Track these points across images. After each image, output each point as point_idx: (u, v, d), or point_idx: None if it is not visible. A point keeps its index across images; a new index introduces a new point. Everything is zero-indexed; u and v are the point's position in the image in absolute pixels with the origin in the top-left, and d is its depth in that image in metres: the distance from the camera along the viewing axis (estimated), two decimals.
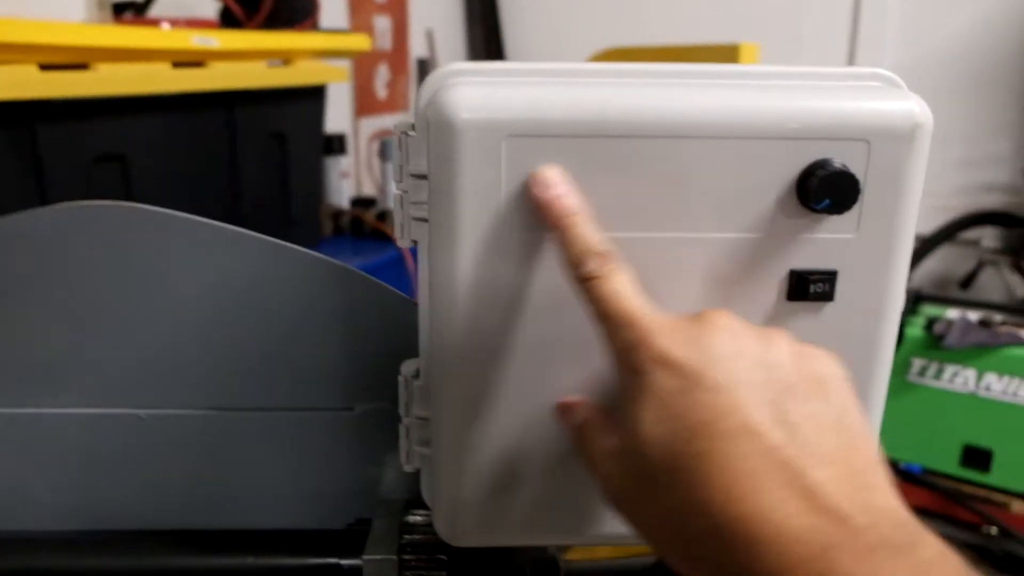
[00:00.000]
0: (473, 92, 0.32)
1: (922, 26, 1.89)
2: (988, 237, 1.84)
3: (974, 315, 1.44)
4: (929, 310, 1.50)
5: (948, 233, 1.72)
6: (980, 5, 1.84)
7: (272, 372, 0.43)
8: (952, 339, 1.37)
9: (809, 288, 0.34)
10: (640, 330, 0.29)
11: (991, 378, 1.36)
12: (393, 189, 0.36)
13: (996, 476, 1.39)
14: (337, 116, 1.64)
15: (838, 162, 0.32)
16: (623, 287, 0.30)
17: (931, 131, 0.32)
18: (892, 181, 0.33)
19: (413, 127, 0.34)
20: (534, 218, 0.33)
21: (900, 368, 1.44)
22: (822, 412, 0.28)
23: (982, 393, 1.38)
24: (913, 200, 0.33)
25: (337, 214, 1.45)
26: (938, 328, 1.40)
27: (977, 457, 1.41)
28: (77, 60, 0.89)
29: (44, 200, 0.87)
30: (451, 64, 0.34)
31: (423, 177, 0.33)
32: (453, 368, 0.35)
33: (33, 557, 0.42)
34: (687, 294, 0.34)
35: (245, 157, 1.12)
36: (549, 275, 0.33)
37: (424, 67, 2.06)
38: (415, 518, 0.43)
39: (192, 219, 0.41)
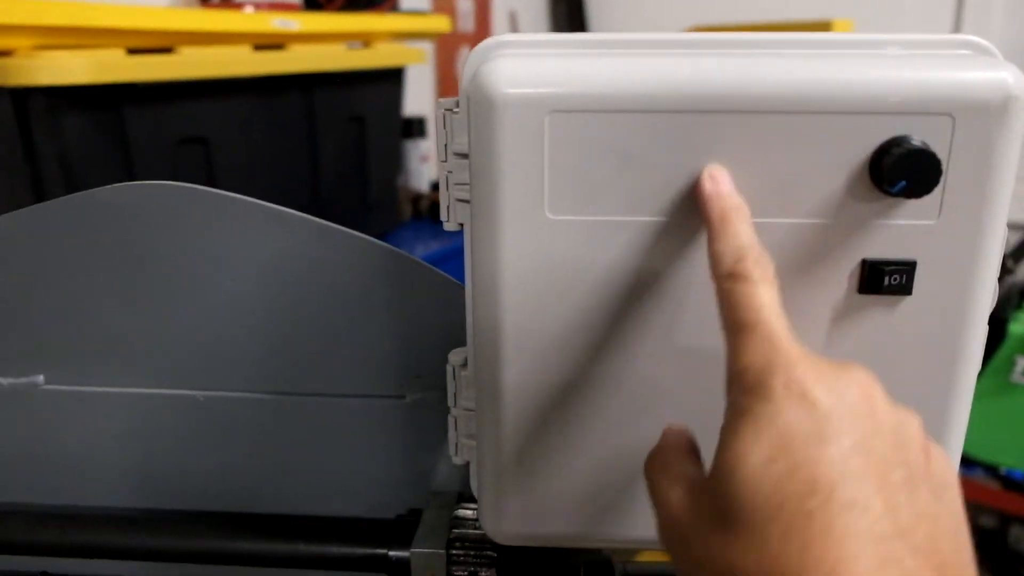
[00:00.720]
0: (514, 65, 0.30)
1: None
2: None
3: None
4: None
5: None
6: None
7: (324, 357, 0.43)
8: None
9: (884, 280, 0.31)
10: (781, 353, 0.26)
11: None
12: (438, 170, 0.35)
13: None
14: (418, 99, 1.64)
15: (917, 139, 0.29)
16: (771, 300, 0.27)
17: None
18: (980, 161, 0.29)
19: (457, 104, 0.33)
20: (579, 199, 0.31)
21: (1003, 367, 1.35)
22: (937, 514, 0.25)
23: None
24: (1005, 183, 0.30)
25: (417, 198, 1.45)
26: None
27: None
28: (162, 44, 0.91)
29: (131, 179, 0.90)
30: (497, 37, 0.33)
31: (465, 156, 0.32)
32: (496, 357, 0.33)
33: (92, 533, 0.42)
34: None
35: (324, 140, 1.13)
36: (596, 258, 0.32)
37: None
38: (466, 512, 0.42)
39: (247, 200, 0.40)
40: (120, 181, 0.88)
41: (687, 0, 2.13)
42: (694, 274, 0.31)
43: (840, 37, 0.32)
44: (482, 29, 1.96)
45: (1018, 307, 1.40)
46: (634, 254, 0.31)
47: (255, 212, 0.40)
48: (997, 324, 1.34)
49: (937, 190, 0.29)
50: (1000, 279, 1.23)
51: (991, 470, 1.38)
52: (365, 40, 1.19)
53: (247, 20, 1.01)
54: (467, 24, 1.92)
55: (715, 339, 0.32)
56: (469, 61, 0.32)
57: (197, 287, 0.42)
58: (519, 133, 0.30)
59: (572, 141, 0.30)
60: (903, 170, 0.29)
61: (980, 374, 0.33)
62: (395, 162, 1.35)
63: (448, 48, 1.84)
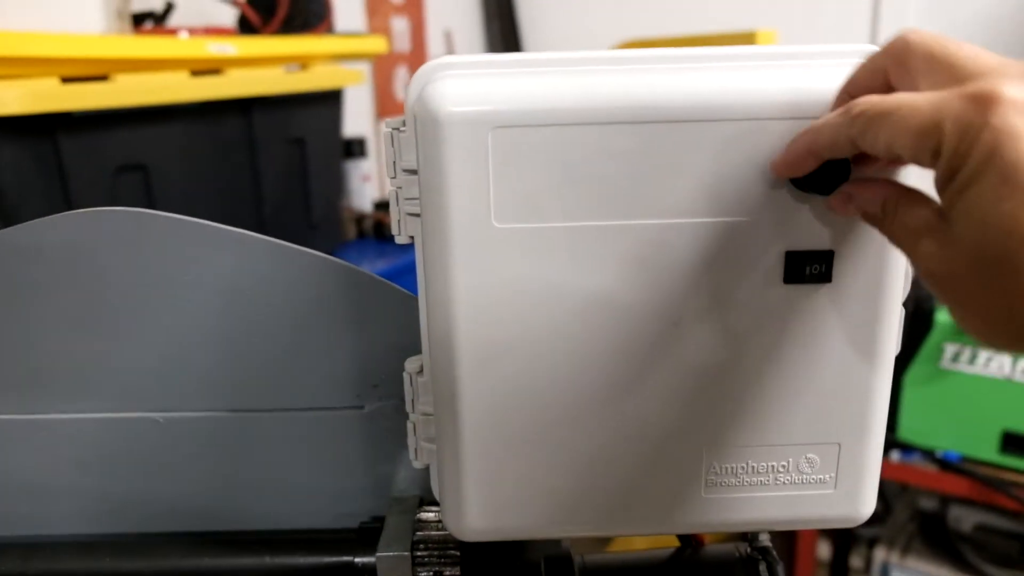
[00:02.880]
0: (458, 85, 0.32)
1: (946, 6, 1.85)
2: None
3: None
4: None
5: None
6: None
7: (283, 373, 0.44)
8: None
9: (805, 270, 0.33)
10: (979, 89, 0.25)
11: None
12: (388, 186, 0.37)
13: None
14: (358, 119, 1.65)
15: None
16: (903, 99, 0.27)
17: None
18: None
19: (404, 123, 0.34)
20: (525, 208, 0.33)
21: (933, 355, 1.41)
22: None
23: (1019, 377, 1.35)
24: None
25: (360, 218, 1.46)
26: None
27: (1017, 443, 1.38)
28: (97, 72, 0.91)
29: (69, 209, 0.89)
30: (440, 58, 0.34)
31: (414, 172, 0.34)
32: (452, 362, 0.35)
33: (54, 560, 0.43)
34: (679, 281, 0.34)
35: (264, 163, 1.13)
36: (543, 264, 0.34)
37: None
38: (427, 514, 0.44)
39: (200, 223, 0.41)
40: (57, 211, 0.87)
41: (616, 17, 2.19)
42: (635, 271, 0.34)
43: (756, 50, 0.34)
44: (418, 48, 1.98)
45: None
46: (579, 259, 0.33)
47: (206, 233, 0.41)
48: (924, 314, 1.41)
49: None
50: None
51: (928, 454, 1.44)
52: (302, 63, 1.20)
53: (182, 46, 1.01)
54: (403, 44, 1.93)
55: (662, 337, 0.35)
56: (413, 82, 0.34)
57: (150, 310, 0.42)
58: (465, 149, 0.32)
59: (515, 154, 0.32)
60: (817, 169, 0.31)
61: (912, 363, 0.36)
62: (337, 183, 1.36)
63: (385, 68, 1.86)
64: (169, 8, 1.18)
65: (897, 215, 0.29)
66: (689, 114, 0.32)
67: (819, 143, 0.30)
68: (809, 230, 0.33)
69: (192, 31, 1.12)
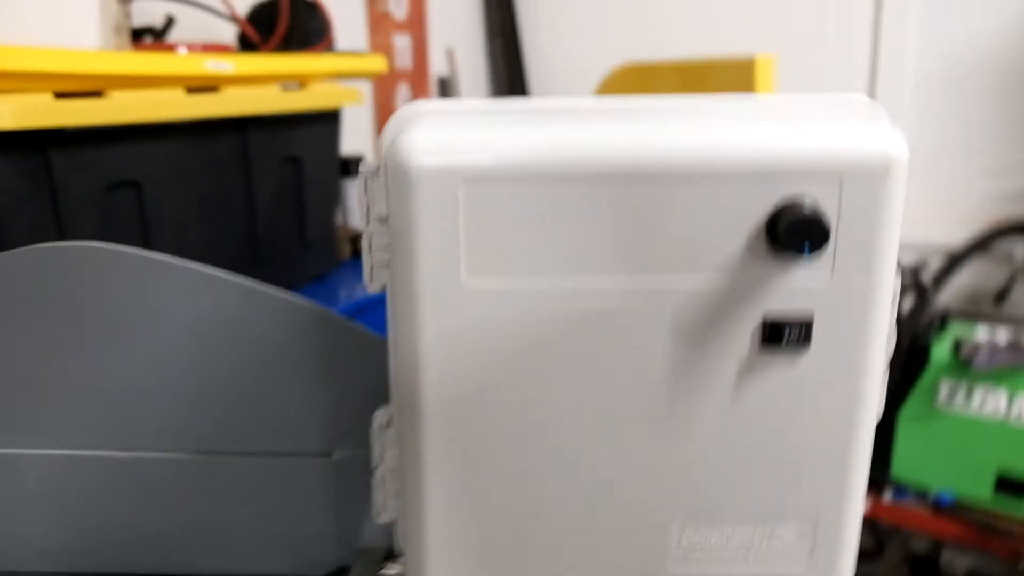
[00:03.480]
0: (429, 135, 0.31)
1: (946, 30, 1.84)
2: (1022, 248, 1.78)
3: (1004, 334, 1.40)
4: (957, 328, 1.45)
5: (979, 245, 1.67)
6: (1004, 7, 1.79)
7: (249, 416, 0.43)
8: (980, 361, 1.33)
9: (783, 335, 0.32)
10: None
11: None
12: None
13: None
14: (357, 137, 1.64)
15: (809, 202, 0.31)
16: None
17: (906, 167, 0.31)
18: (867, 220, 0.31)
19: (379, 169, 0.34)
20: (495, 264, 0.32)
21: (928, 393, 1.40)
22: None
23: (1014, 419, 1.34)
24: (890, 240, 0.32)
25: (356, 237, 1.45)
26: (965, 352, 1.36)
27: (1011, 486, 1.36)
28: (91, 87, 0.90)
29: (60, 227, 0.88)
30: (415, 103, 0.34)
31: (386, 220, 0.33)
32: (418, 417, 0.34)
33: None
34: (652, 342, 0.33)
35: (259, 181, 1.12)
36: (513, 321, 0.33)
37: (445, 86, 2.06)
38: (392, 569, 0.43)
39: (167, 260, 0.40)
40: (48, 226, 0.86)
41: (618, 38, 2.19)
42: (607, 330, 0.33)
43: (739, 102, 0.34)
44: (420, 66, 1.98)
45: (940, 333, 1.46)
46: (549, 314, 0.32)
47: (178, 272, 0.40)
48: (920, 350, 1.39)
49: (829, 249, 0.31)
50: (921, 305, 1.27)
51: (921, 495, 1.42)
52: (301, 81, 1.20)
53: (179, 63, 1.00)
54: (405, 61, 1.93)
55: (632, 395, 0.34)
56: (388, 128, 0.33)
57: (115, 347, 0.41)
58: (435, 201, 0.31)
59: (486, 207, 0.31)
60: (796, 232, 0.30)
61: (906, 400, 0.35)
62: (333, 202, 1.35)
63: (386, 86, 1.86)
64: (169, 23, 1.18)
65: None
66: (666, 172, 0.31)
67: None
68: (788, 294, 0.32)
69: (191, 47, 1.12)
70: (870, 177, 0.31)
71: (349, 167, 1.48)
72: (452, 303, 0.32)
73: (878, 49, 1.91)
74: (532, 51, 2.29)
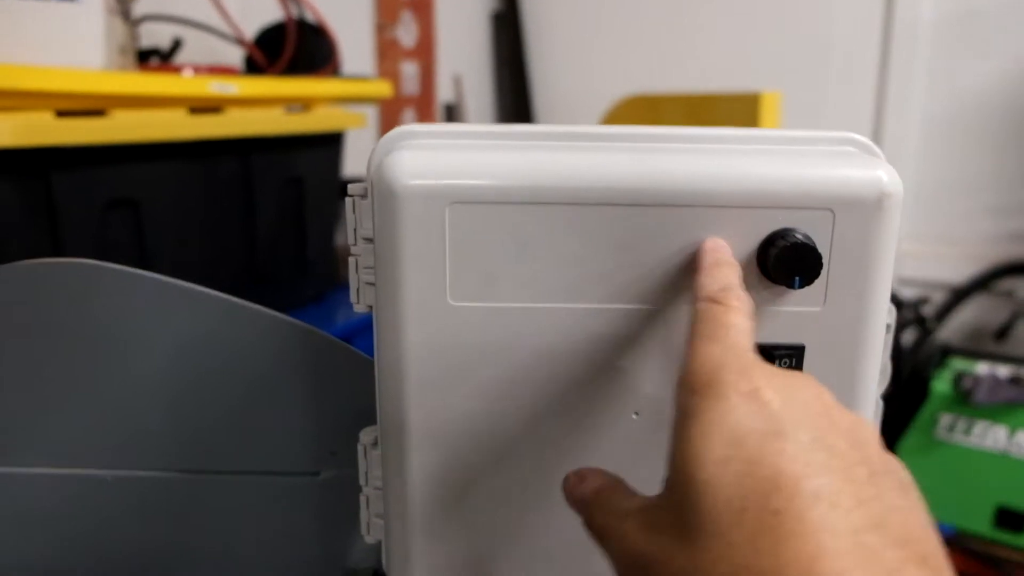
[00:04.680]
0: (416, 157, 0.31)
1: (952, 72, 1.86)
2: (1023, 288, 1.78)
3: (1005, 370, 1.39)
4: (958, 364, 1.45)
5: (981, 283, 1.67)
6: (1012, 49, 1.80)
7: (236, 435, 0.42)
8: (981, 395, 1.32)
9: (774, 363, 0.32)
10: (739, 358, 0.25)
11: None
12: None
13: None
14: (361, 160, 1.65)
15: (800, 233, 0.30)
16: (745, 326, 0.27)
17: (900, 200, 0.31)
18: (859, 252, 0.31)
19: (366, 191, 0.33)
20: (480, 286, 0.31)
21: (927, 425, 1.38)
22: (908, 507, 0.24)
23: (1015, 452, 1.33)
24: (883, 271, 0.31)
25: None
26: (966, 383, 1.35)
27: (1011, 519, 1.34)
28: (94, 107, 0.91)
29: (57, 245, 0.88)
30: (405, 126, 0.34)
31: (372, 241, 0.33)
32: (402, 438, 0.34)
33: None
34: (641, 370, 0.32)
35: (260, 203, 1.13)
36: (498, 343, 0.32)
37: (451, 112, 2.07)
38: None
39: (155, 278, 0.40)
40: (45, 245, 0.86)
41: (624, 69, 2.21)
42: (593, 356, 0.32)
43: (734, 133, 0.33)
44: (427, 92, 2.00)
45: (940, 366, 1.45)
46: (534, 339, 0.32)
47: (164, 290, 0.40)
48: (919, 383, 1.38)
49: (821, 280, 0.31)
50: (922, 339, 1.26)
51: None
52: (305, 104, 1.20)
53: (183, 84, 1.01)
54: (412, 87, 1.95)
55: (616, 417, 0.33)
56: (376, 151, 0.33)
57: (105, 364, 0.41)
58: (420, 223, 0.31)
59: (472, 230, 0.31)
60: (787, 262, 0.30)
61: (906, 432, 0.34)
62: (333, 224, 1.35)
63: (392, 110, 1.87)
64: (176, 46, 1.19)
65: (609, 502, 0.28)
66: (655, 199, 0.31)
67: None
68: (780, 323, 0.32)
69: (197, 69, 1.12)
70: (863, 209, 0.30)
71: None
72: (437, 323, 0.32)
73: (885, 89, 1.92)
74: (539, 80, 2.30)
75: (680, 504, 0.24)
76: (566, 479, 0.31)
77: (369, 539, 0.39)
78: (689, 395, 0.25)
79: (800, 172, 0.31)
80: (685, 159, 0.31)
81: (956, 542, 1.38)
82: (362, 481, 0.38)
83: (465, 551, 0.35)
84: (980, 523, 1.37)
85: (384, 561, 0.38)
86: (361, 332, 1.17)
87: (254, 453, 0.42)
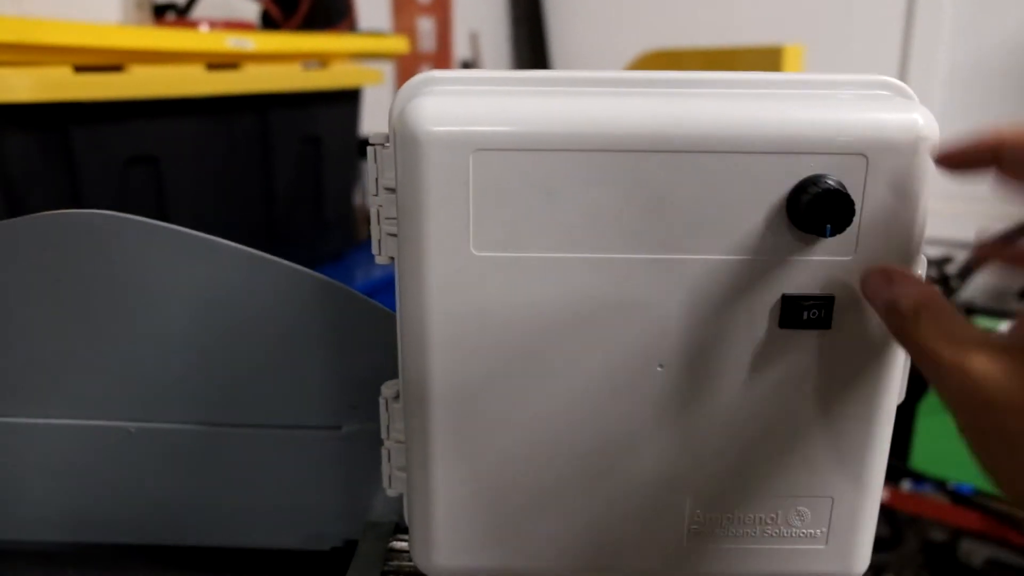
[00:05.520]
0: (440, 103, 0.30)
1: (979, 24, 1.81)
2: None
3: None
4: (982, 323, 1.43)
5: (1005, 241, 1.64)
6: None
7: (258, 387, 0.42)
8: None
9: (802, 314, 0.31)
10: None
11: None
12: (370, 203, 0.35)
13: None
14: (378, 118, 1.64)
15: (832, 179, 0.29)
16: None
17: (937, 145, 0.30)
18: (893, 199, 0.30)
19: (387, 139, 0.33)
20: (505, 236, 0.31)
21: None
22: None
23: None
24: (917, 220, 0.31)
25: None
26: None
27: None
28: (111, 62, 0.90)
29: (78, 201, 0.88)
30: (426, 72, 0.33)
31: (394, 191, 0.32)
32: (424, 391, 0.33)
33: (14, 568, 0.41)
34: (667, 320, 0.32)
35: (278, 160, 1.12)
36: (523, 295, 0.32)
37: (468, 69, 2.05)
38: (401, 543, 0.42)
39: (175, 229, 0.40)
40: (65, 201, 0.87)
41: (643, 25, 2.16)
42: (618, 307, 0.32)
43: (764, 77, 0.32)
44: (443, 49, 1.97)
45: None
46: (559, 290, 0.32)
47: (186, 241, 0.40)
48: None
49: (852, 227, 0.30)
50: (947, 297, 1.25)
51: (940, 485, 1.40)
52: (322, 60, 1.19)
53: (201, 39, 1.00)
54: (428, 44, 1.92)
55: (647, 377, 0.33)
56: (398, 97, 0.32)
57: (123, 316, 0.41)
58: (444, 171, 0.30)
59: (497, 178, 0.30)
60: (818, 209, 0.29)
61: (926, 392, 0.34)
62: (351, 182, 1.35)
63: (409, 67, 1.85)
64: (192, 1, 1.18)
65: (940, 322, 0.26)
66: (683, 144, 0.30)
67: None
68: (808, 273, 0.31)
69: (213, 24, 1.11)
70: (899, 153, 0.30)
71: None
72: (461, 275, 0.31)
73: (910, 41, 1.88)
74: (556, 37, 2.27)
75: None
76: (867, 277, 0.29)
77: (391, 492, 0.39)
78: None
79: (832, 116, 0.30)
80: (714, 104, 0.30)
81: (976, 502, 1.38)
82: (384, 435, 0.38)
83: (487, 505, 0.35)
84: None
85: (406, 514, 0.38)
86: (380, 291, 1.17)
87: (276, 407, 0.43)
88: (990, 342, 0.24)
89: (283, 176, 1.14)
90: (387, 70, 1.67)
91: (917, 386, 1.42)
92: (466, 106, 0.30)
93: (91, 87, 0.86)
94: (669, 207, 0.30)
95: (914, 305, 0.27)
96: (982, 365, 0.24)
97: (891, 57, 1.88)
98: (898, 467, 1.44)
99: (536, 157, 0.30)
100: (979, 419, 0.24)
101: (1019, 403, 0.23)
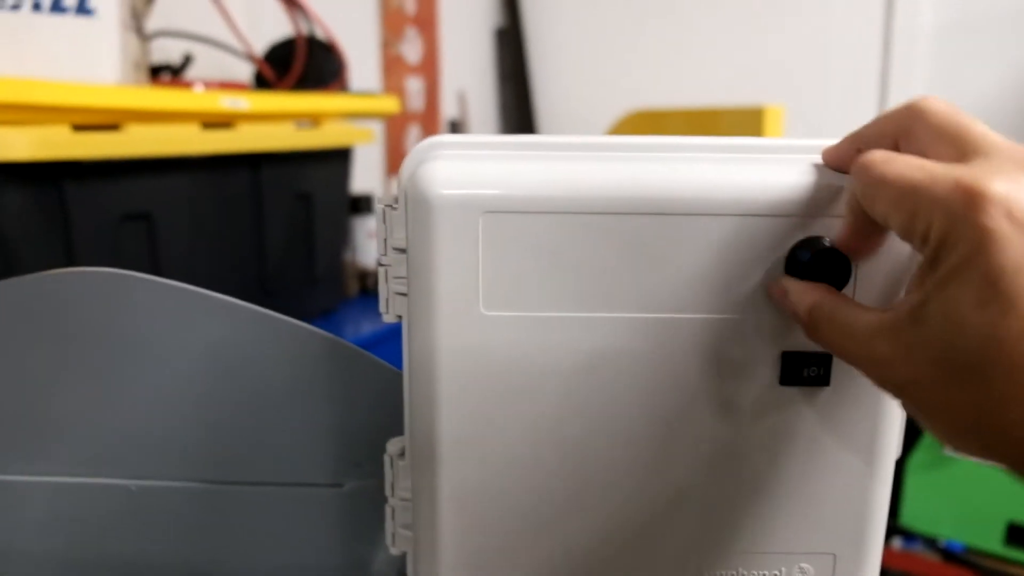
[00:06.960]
0: (450, 167, 0.31)
1: (953, 81, 1.86)
2: None
3: None
4: None
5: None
6: (1012, 58, 1.81)
7: (260, 445, 0.42)
8: None
9: (803, 371, 0.32)
10: (971, 181, 0.23)
11: None
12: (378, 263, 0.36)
13: None
14: (367, 175, 1.66)
15: (828, 240, 0.31)
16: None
17: None
18: (887, 258, 0.31)
19: (396, 201, 0.34)
20: (513, 296, 0.32)
21: (937, 441, 1.38)
22: None
23: None
24: (910, 272, 0.32)
25: (364, 274, 1.46)
26: None
27: (1022, 536, 1.34)
28: (108, 121, 0.91)
29: (71, 257, 0.89)
30: (435, 138, 0.34)
31: (403, 251, 0.33)
32: (432, 449, 0.34)
33: None
34: (670, 379, 0.32)
35: (270, 216, 1.13)
36: (532, 353, 0.32)
37: (455, 128, 2.08)
38: None
39: (183, 287, 0.40)
40: (59, 256, 0.87)
41: (627, 85, 2.22)
42: (624, 365, 0.32)
43: (761, 142, 0.34)
44: (431, 108, 2.01)
45: None
46: (566, 348, 0.32)
47: (191, 299, 0.40)
48: None
49: (849, 286, 0.31)
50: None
51: (931, 542, 1.40)
52: (314, 119, 1.21)
53: (196, 99, 1.02)
54: (417, 103, 1.96)
55: (651, 435, 0.33)
56: (408, 161, 0.33)
57: (130, 374, 0.41)
58: (454, 232, 0.31)
59: (505, 240, 0.31)
60: (816, 268, 0.30)
61: (915, 448, 0.35)
62: (342, 239, 1.36)
63: (398, 126, 1.88)
64: (187, 61, 1.20)
65: (835, 320, 0.28)
66: (682, 207, 0.31)
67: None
68: None
69: (208, 84, 1.13)
70: None
71: (359, 205, 1.49)
72: (470, 332, 0.32)
73: (886, 100, 1.93)
74: (542, 96, 2.32)
75: (938, 339, 0.24)
76: (769, 294, 0.31)
77: (394, 550, 0.39)
78: (939, 249, 0.25)
79: (826, 181, 0.31)
80: (715, 168, 0.31)
81: (966, 559, 1.38)
82: (388, 492, 0.38)
83: (494, 563, 0.35)
84: (991, 540, 1.37)
85: (410, 572, 0.38)
86: (370, 347, 1.17)
87: (278, 463, 0.43)
88: (884, 325, 0.26)
89: (275, 232, 1.15)
90: (377, 129, 1.70)
91: (906, 441, 1.42)
92: (475, 170, 0.31)
93: (88, 146, 0.87)
94: (672, 268, 0.31)
95: (808, 311, 0.29)
96: (883, 350, 0.26)
97: (869, 115, 1.92)
98: (888, 524, 1.44)
99: (542, 219, 0.31)
100: (903, 394, 0.26)
101: (926, 377, 0.24)
